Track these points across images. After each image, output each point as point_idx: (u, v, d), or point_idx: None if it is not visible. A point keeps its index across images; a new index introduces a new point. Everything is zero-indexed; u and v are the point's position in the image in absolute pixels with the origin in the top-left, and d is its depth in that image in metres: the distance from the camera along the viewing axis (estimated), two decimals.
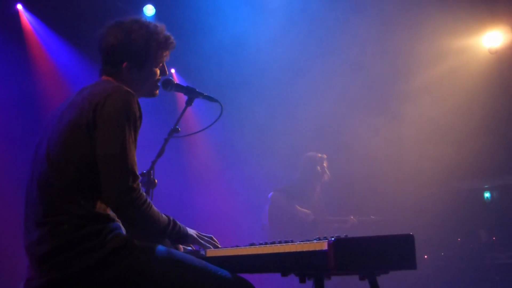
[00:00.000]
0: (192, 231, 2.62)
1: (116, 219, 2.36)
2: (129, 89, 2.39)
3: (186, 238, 2.58)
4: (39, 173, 2.34)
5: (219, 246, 2.67)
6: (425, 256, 6.47)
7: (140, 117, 2.35)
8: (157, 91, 2.71)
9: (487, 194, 6.84)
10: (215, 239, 2.70)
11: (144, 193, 2.33)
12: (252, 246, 2.40)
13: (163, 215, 2.45)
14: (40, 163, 2.36)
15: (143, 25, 2.59)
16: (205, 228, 2.90)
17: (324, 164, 6.12)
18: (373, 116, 6.77)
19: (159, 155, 2.98)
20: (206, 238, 2.67)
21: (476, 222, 6.59)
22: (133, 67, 2.55)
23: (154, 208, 2.39)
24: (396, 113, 6.75)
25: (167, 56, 2.68)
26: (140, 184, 2.31)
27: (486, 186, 6.84)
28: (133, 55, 2.54)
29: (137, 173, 2.29)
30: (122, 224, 2.43)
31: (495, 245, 6.41)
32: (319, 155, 6.13)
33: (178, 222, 2.53)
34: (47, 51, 6.47)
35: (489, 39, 6.70)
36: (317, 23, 6.59)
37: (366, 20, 6.45)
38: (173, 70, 7.38)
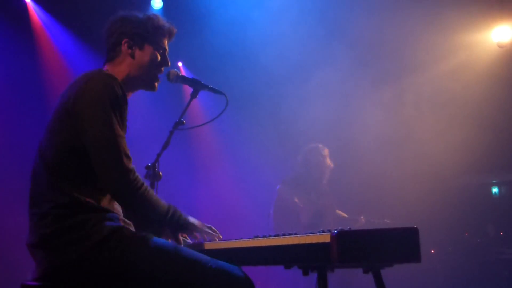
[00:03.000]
0: (193, 220, 2.58)
1: (105, 207, 2.31)
2: (110, 73, 2.39)
3: (186, 227, 2.53)
4: (35, 165, 2.37)
5: (220, 236, 2.63)
6: (432, 251, 6.45)
7: (124, 99, 2.33)
8: (157, 84, 2.68)
9: (495, 189, 6.82)
10: (215, 229, 2.66)
11: (140, 177, 2.31)
12: (255, 239, 2.38)
13: (163, 202, 2.42)
14: (36, 155, 2.39)
15: (143, 13, 2.67)
16: (210, 220, 2.88)
17: (325, 154, 6.08)
18: (381, 112, 6.74)
19: (164, 147, 2.97)
20: (206, 228, 2.62)
21: (484, 217, 6.58)
22: (132, 44, 2.57)
23: (153, 192, 2.37)
24: (404, 109, 6.72)
25: (167, 41, 2.68)
26: (134, 167, 2.29)
27: (494, 181, 6.82)
28: (132, 31, 2.57)
29: (128, 154, 2.27)
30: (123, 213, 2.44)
31: (502, 240, 6.39)
32: (320, 146, 6.11)
33: (179, 210, 2.49)
34: (54, 43, 6.49)
35: (498, 33, 6.65)
36: (325, 17, 6.56)
37: (374, 14, 6.40)
38: (180, 64, 7.38)
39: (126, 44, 2.56)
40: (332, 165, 6.06)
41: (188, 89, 3.11)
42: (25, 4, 6.33)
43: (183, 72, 7.26)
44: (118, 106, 2.29)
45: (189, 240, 2.75)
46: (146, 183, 2.38)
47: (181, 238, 2.61)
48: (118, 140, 2.24)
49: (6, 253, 5.51)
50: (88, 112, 2.24)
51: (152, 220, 2.42)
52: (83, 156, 2.26)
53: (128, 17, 2.62)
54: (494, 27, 6.65)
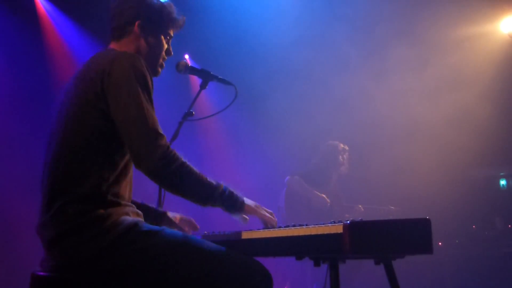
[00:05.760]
0: (249, 201, 2.44)
1: (124, 202, 2.30)
2: (134, 53, 2.37)
3: (242, 206, 2.40)
4: (50, 153, 2.33)
5: (275, 224, 2.48)
6: (440, 243, 6.43)
7: (150, 78, 2.31)
8: (160, 70, 2.65)
9: (503, 182, 6.78)
10: (273, 213, 2.51)
11: (177, 153, 2.24)
12: (266, 230, 2.37)
13: (211, 178, 2.33)
14: (51, 142, 2.35)
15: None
16: (216, 212, 2.83)
17: (345, 156, 6.06)
18: (389, 103, 6.71)
19: (173, 138, 2.96)
20: (263, 211, 2.48)
21: (492, 210, 6.54)
22: (145, 28, 2.53)
23: (194, 168, 2.28)
24: (411, 102, 6.68)
25: (173, 32, 2.66)
26: (168, 143, 2.23)
27: (502, 174, 6.78)
28: (146, 15, 2.54)
29: (161, 131, 2.23)
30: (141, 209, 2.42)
31: (511, 233, 6.36)
32: (342, 145, 6.07)
33: (230, 188, 2.37)
34: (60, 33, 6.50)
35: (508, 24, 6.58)
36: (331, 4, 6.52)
37: (383, 4, 6.36)
38: (187, 56, 7.36)
39: (139, 27, 2.52)
40: (348, 170, 6.04)
41: (195, 80, 3.10)
42: None
43: (190, 64, 7.23)
44: (146, 85, 2.27)
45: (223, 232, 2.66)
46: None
47: (246, 217, 2.46)
48: (147, 118, 2.20)
49: (13, 243, 5.53)
50: (115, 91, 2.22)
51: (199, 199, 2.32)
52: (108, 142, 2.25)
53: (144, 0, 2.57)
54: (504, 17, 6.58)
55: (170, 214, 2.78)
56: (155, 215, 2.73)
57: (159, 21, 2.57)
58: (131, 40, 2.53)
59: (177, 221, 2.76)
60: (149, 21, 2.54)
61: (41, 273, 2.24)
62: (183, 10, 2.70)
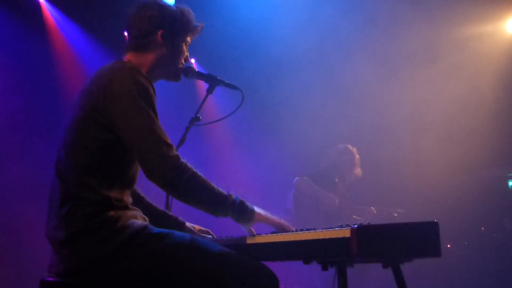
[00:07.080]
0: (260, 210, 2.45)
1: (131, 206, 2.34)
2: (133, 66, 2.37)
3: (252, 215, 2.41)
4: (59, 160, 2.37)
5: (293, 229, 2.46)
6: (448, 245, 6.41)
7: (153, 90, 2.33)
8: (180, 75, 2.69)
9: (511, 182, 6.75)
10: (286, 222, 2.51)
11: (187, 163, 2.26)
12: (273, 234, 2.38)
13: (221, 189, 2.35)
14: (61, 150, 2.38)
15: (175, 5, 2.64)
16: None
17: (355, 159, 6.00)
18: (393, 104, 6.70)
19: (180, 143, 2.96)
20: (275, 219, 2.49)
21: (500, 211, 6.51)
22: (167, 37, 2.54)
23: (205, 179, 2.30)
24: (418, 101, 6.67)
25: (191, 39, 2.68)
26: (178, 153, 2.25)
27: (510, 174, 6.75)
28: (169, 24, 2.54)
29: (169, 142, 2.25)
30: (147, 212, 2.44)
31: None
32: (350, 148, 6.02)
33: (241, 198, 2.39)
34: (68, 40, 6.54)
35: None
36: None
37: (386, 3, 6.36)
38: (193, 60, 7.38)
39: (162, 36, 2.53)
40: (360, 175, 5.98)
41: (202, 85, 3.10)
42: (38, 4, 6.39)
43: (196, 68, 7.24)
44: (149, 98, 2.28)
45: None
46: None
47: (252, 230, 2.45)
48: (154, 129, 2.23)
49: (22, 249, 5.56)
50: (119, 107, 2.23)
51: (210, 209, 2.34)
52: (112, 153, 2.28)
53: (164, 8, 2.57)
54: (510, 17, 6.57)
55: (189, 224, 2.80)
56: (175, 224, 2.75)
57: (180, 30, 2.58)
58: (152, 50, 2.54)
59: (195, 231, 2.78)
60: (171, 30, 2.55)
61: (50, 279, 2.25)
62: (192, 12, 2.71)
